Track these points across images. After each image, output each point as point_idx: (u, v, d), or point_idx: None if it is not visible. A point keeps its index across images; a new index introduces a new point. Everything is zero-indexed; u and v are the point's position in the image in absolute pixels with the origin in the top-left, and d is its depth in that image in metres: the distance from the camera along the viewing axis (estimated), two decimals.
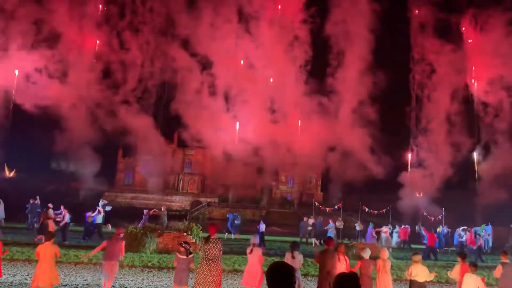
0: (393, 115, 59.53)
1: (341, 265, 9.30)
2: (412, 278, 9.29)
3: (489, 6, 50.48)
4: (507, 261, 10.00)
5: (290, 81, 55.73)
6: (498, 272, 9.81)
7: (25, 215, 23.84)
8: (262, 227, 24.18)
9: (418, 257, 9.49)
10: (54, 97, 45.89)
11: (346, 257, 9.73)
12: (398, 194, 49.63)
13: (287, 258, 9.19)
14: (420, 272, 9.32)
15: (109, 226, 23.27)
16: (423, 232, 26.24)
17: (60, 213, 21.02)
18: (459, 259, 9.76)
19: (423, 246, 24.25)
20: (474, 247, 23.10)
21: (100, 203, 23.58)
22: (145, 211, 25.84)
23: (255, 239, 9.67)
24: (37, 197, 23.75)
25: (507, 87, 48.33)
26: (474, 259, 20.83)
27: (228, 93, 56.51)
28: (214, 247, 8.85)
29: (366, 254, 9.85)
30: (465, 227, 26.49)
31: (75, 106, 49.90)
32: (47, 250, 8.83)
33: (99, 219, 21.82)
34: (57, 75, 47.90)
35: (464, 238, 25.01)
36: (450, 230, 29.35)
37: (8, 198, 26.22)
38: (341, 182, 58.74)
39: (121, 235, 10.02)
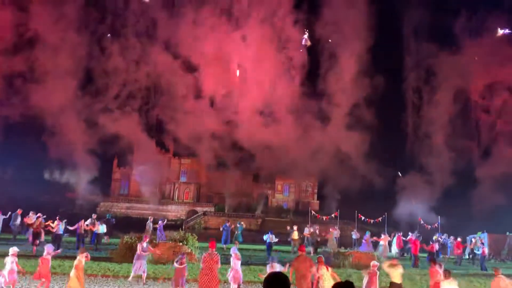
0: (390, 121, 59.74)
1: (321, 272, 10.45)
2: (392, 280, 11.05)
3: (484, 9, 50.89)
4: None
5: (284, 86, 54.68)
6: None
7: (9, 227, 23.90)
8: (270, 237, 22.87)
9: (395, 261, 11.48)
10: (44, 105, 45.68)
11: (326, 265, 10.88)
12: (394, 202, 49.55)
13: (269, 269, 10.92)
14: (395, 273, 10.96)
15: (107, 237, 23.14)
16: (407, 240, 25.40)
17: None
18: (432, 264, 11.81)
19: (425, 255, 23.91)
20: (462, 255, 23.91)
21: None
22: (160, 222, 23.62)
23: (236, 250, 12.54)
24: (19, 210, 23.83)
25: (503, 90, 48.62)
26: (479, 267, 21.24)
27: (225, 99, 55.43)
28: (211, 260, 10.57)
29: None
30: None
31: (68, 115, 49.61)
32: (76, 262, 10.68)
33: (101, 229, 22.05)
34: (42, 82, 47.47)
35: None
36: (445, 237, 29.07)
37: (2, 208, 26.05)
38: (337, 190, 58.85)
39: (147, 240, 14.06)
